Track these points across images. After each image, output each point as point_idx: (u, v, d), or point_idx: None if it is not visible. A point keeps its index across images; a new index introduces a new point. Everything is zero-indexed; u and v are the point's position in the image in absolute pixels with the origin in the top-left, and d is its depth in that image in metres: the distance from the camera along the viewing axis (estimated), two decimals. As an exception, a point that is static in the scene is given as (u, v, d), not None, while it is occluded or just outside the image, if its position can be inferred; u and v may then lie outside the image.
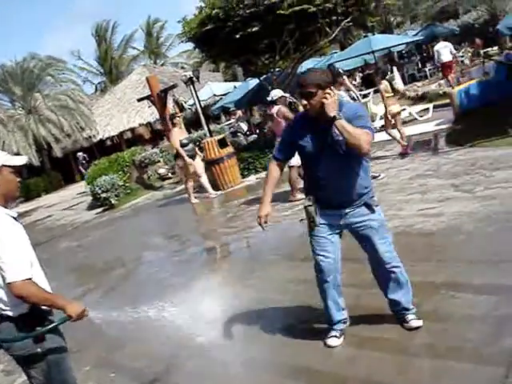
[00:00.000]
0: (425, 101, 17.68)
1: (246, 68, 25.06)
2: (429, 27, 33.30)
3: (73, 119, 32.68)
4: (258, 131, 20.76)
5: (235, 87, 26.10)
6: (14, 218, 3.38)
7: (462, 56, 26.80)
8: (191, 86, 16.07)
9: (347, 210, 4.08)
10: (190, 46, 42.79)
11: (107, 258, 10.71)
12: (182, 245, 9.76)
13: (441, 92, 17.70)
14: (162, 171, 20.03)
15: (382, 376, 3.76)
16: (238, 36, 13.38)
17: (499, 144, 9.06)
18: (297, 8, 12.85)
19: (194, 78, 15.89)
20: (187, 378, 4.74)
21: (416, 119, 14.97)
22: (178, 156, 13.10)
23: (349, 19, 14.55)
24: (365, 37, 25.04)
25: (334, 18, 14.02)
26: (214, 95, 28.03)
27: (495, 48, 23.83)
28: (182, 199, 15.17)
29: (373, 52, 21.84)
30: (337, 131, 3.82)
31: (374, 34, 26.36)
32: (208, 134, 17.36)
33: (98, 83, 49.68)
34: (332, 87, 3.91)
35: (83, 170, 27.84)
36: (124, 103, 34.05)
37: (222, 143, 14.11)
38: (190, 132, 25.02)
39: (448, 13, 39.12)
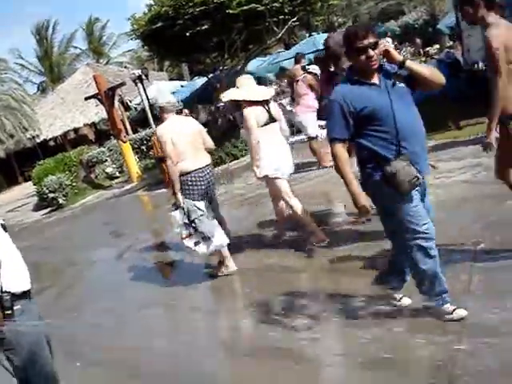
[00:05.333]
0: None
1: (192, 67, 25.13)
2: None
3: (15, 119, 32.00)
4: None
5: (182, 86, 26.14)
6: None
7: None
8: (140, 85, 16.09)
9: (424, 169, 3.85)
10: (133, 45, 42.60)
11: (59, 258, 10.68)
12: (132, 242, 9.80)
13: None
14: (109, 170, 19.91)
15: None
16: (187, 34, 13.48)
17: (440, 138, 9.45)
18: (245, 7, 13.08)
19: (143, 76, 15.92)
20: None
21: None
22: None
23: (295, 19, 14.88)
24: (309, 36, 25.45)
25: (281, 17, 14.30)
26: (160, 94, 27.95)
27: (435, 47, 24.58)
28: (131, 197, 15.22)
29: (317, 51, 22.24)
30: (404, 73, 3.75)
31: (318, 34, 26.82)
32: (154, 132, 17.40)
33: (40, 83, 48.75)
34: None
35: None
36: (68, 103, 33.53)
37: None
38: (137, 131, 24.97)
39: (390, 13, 40.06)
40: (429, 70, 3.81)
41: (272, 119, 6.37)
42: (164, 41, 14.45)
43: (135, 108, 28.04)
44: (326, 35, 26.88)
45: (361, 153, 3.91)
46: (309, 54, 23.75)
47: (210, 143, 6.43)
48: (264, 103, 6.36)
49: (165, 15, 13.69)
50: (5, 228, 3.64)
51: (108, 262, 9.32)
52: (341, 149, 3.83)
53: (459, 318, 3.90)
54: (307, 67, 11.16)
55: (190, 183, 5.98)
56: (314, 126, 10.09)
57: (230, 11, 13.10)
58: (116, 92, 18.35)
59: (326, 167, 10.02)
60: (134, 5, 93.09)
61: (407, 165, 3.67)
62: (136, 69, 26.29)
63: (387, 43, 3.82)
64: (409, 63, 3.72)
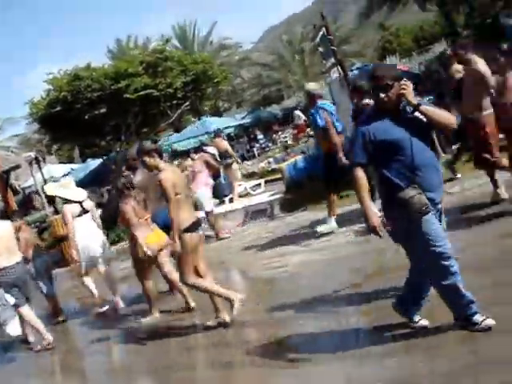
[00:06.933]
0: (256, 177, 19.15)
1: (83, 149, 25.44)
2: (254, 111, 36.17)
3: None
4: (102, 210, 21.04)
5: (72, 169, 26.29)
6: None
7: (285, 137, 29.50)
8: (36, 166, 16.37)
9: (439, 196, 4.18)
10: (21, 130, 42.18)
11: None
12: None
13: (269, 169, 19.41)
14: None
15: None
16: (85, 117, 14.12)
17: (324, 208, 10.33)
18: (142, 92, 14.00)
19: (40, 158, 16.24)
20: None
21: (249, 193, 16.24)
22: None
23: (188, 103, 16.03)
24: (199, 119, 26.77)
25: (175, 102, 15.38)
26: (52, 177, 27.94)
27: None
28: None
29: (207, 133, 23.50)
30: (421, 116, 4.06)
31: (207, 117, 28.26)
32: (49, 214, 17.49)
33: None
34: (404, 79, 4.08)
35: None
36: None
37: (70, 220, 14.47)
38: (26, 214, 24.63)
39: (271, 99, 42.55)
40: (439, 117, 4.09)
41: (85, 211, 8.44)
42: (61, 124, 14.96)
43: (23, 191, 27.80)
44: (215, 118, 28.46)
45: (380, 181, 4.26)
46: (200, 135, 25.09)
47: (32, 240, 8.73)
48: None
49: (63, 99, 14.29)
50: None
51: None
52: (359, 172, 4.17)
53: (488, 328, 4.05)
54: (204, 147, 12.04)
55: (1, 277, 7.46)
56: (209, 201, 10.89)
57: (128, 96, 13.96)
58: (9, 175, 18.35)
59: (223, 238, 10.82)
60: (19, 87, 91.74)
61: (418, 193, 3.99)
62: (24, 153, 26.25)
63: (406, 85, 4.02)
64: (422, 108, 4.03)
